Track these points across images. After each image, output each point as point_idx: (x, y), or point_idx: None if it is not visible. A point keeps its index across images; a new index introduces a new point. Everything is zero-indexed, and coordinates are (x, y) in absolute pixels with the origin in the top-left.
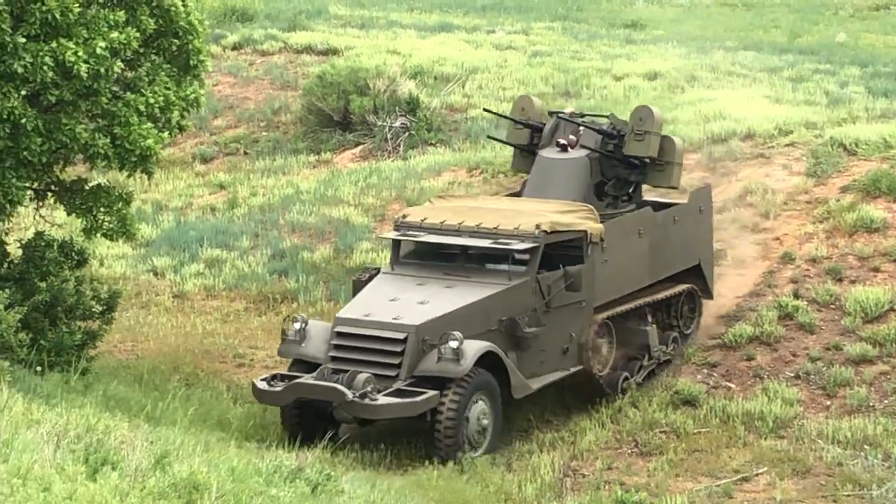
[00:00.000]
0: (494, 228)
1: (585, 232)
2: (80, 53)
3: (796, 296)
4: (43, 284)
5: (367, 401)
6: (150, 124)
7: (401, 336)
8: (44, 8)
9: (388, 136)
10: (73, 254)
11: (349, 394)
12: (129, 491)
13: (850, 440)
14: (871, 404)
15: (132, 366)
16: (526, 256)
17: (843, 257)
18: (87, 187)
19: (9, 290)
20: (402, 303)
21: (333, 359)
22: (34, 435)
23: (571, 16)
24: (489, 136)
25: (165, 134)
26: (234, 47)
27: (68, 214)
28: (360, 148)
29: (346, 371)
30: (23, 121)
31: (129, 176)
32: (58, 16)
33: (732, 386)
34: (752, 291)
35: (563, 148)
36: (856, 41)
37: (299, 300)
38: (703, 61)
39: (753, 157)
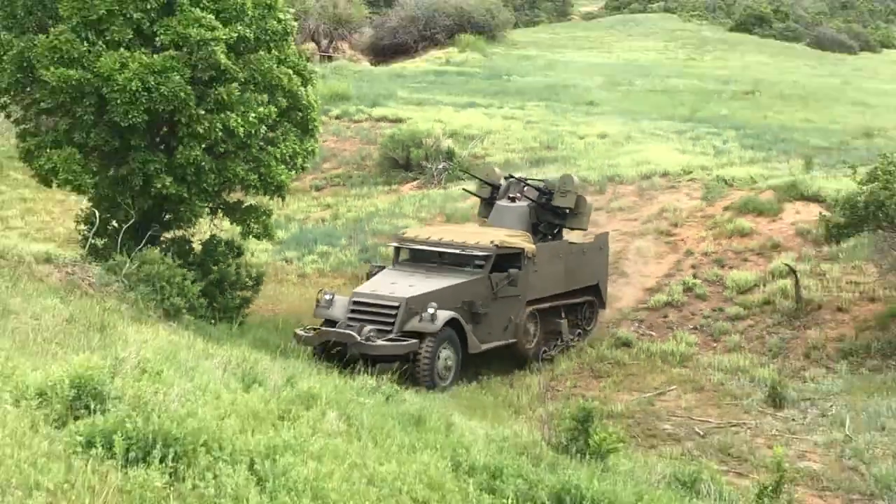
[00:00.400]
0: (462, 242)
1: (523, 249)
2: (239, 121)
3: (695, 276)
4: (215, 268)
5: (369, 342)
6: (283, 166)
7: (395, 304)
8: (216, 92)
9: (435, 174)
10: (234, 248)
11: (358, 337)
12: (270, 399)
13: (729, 368)
14: (741, 345)
15: (272, 320)
16: (482, 262)
17: (725, 252)
18: (243, 206)
19: (193, 272)
20: (397, 285)
21: (350, 318)
22: (209, 363)
23: (552, 98)
24: (465, 190)
25: (293, 172)
26: (337, 117)
27: (231, 224)
28: (416, 181)
29: (357, 324)
30: (202, 164)
31: (269, 199)
32: (225, 97)
33: (653, 334)
34: (665, 273)
35: (512, 200)
36: (734, 114)
37: None
38: (635, 127)
39: (667, 188)
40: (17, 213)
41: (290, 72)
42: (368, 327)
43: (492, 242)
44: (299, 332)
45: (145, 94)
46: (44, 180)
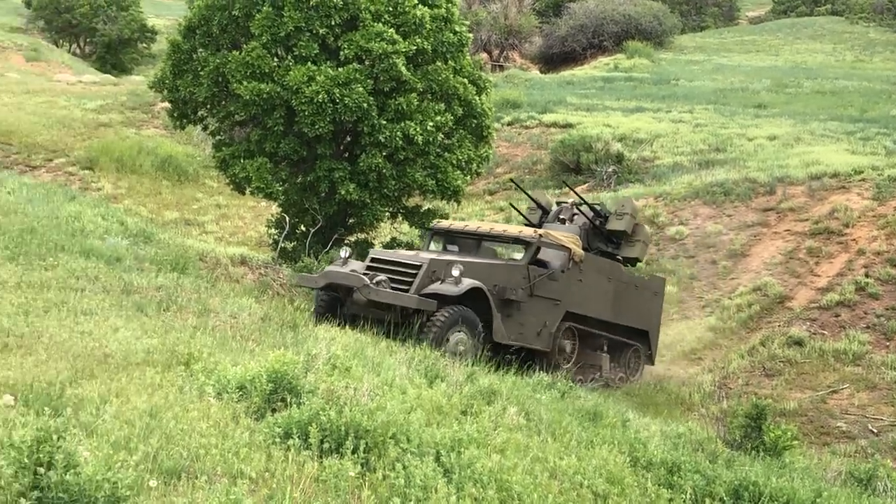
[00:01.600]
0: (504, 230)
1: (570, 249)
2: (418, 129)
3: (867, 275)
4: None
5: (378, 287)
6: (459, 172)
7: (416, 264)
8: (396, 102)
9: (605, 177)
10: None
11: (367, 280)
12: (452, 394)
13: None
14: None
15: None
16: (523, 249)
17: None
18: (421, 210)
19: None
20: (422, 255)
21: (366, 275)
22: (394, 359)
23: (720, 101)
24: (511, 205)
25: (468, 177)
26: (509, 124)
27: (410, 226)
28: (587, 184)
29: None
30: (384, 170)
31: (446, 203)
32: (405, 107)
33: (825, 333)
34: (837, 272)
35: (563, 222)
36: None
37: None
38: (805, 128)
39: (838, 188)
40: (212, 219)
41: (466, 81)
42: (382, 276)
43: (536, 232)
44: (304, 274)
45: (331, 105)
46: (237, 188)
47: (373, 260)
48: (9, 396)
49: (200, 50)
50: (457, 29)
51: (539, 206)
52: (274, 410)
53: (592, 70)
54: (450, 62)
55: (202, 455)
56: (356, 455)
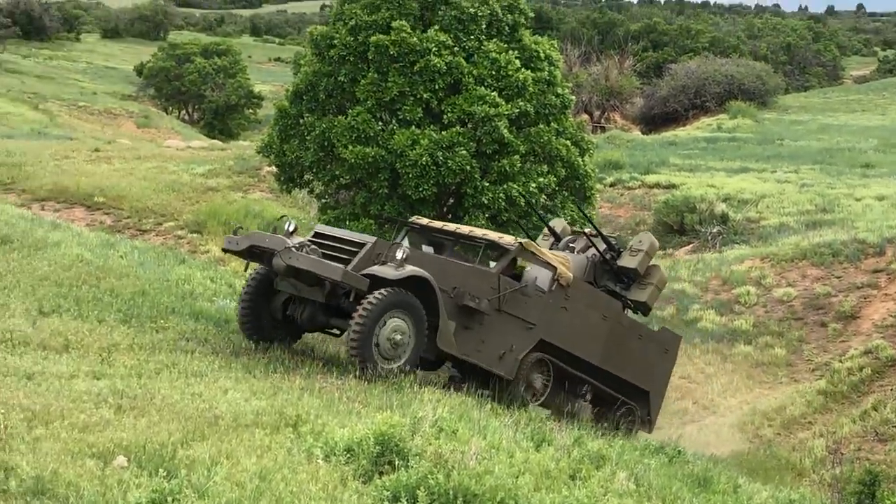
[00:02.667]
0: (483, 234)
1: (556, 268)
2: (521, 191)
3: None
4: None
5: (301, 252)
6: None
7: (359, 241)
8: (499, 164)
9: (709, 238)
10: None
11: (290, 243)
12: (560, 458)
13: None
14: None
15: None
16: (497, 255)
17: None
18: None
19: None
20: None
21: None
22: (500, 423)
23: (826, 161)
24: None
25: None
26: (611, 185)
27: None
28: (691, 245)
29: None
30: None
31: None
32: (507, 168)
33: None
34: None
35: (572, 251)
36: None
37: None
38: None
39: None
40: None
41: (569, 143)
42: (307, 240)
43: (517, 240)
44: (231, 236)
45: (434, 168)
46: None
47: (316, 234)
48: (122, 458)
49: (307, 115)
50: (559, 91)
51: (552, 232)
52: (381, 473)
53: (695, 130)
54: (552, 124)
55: None
56: None
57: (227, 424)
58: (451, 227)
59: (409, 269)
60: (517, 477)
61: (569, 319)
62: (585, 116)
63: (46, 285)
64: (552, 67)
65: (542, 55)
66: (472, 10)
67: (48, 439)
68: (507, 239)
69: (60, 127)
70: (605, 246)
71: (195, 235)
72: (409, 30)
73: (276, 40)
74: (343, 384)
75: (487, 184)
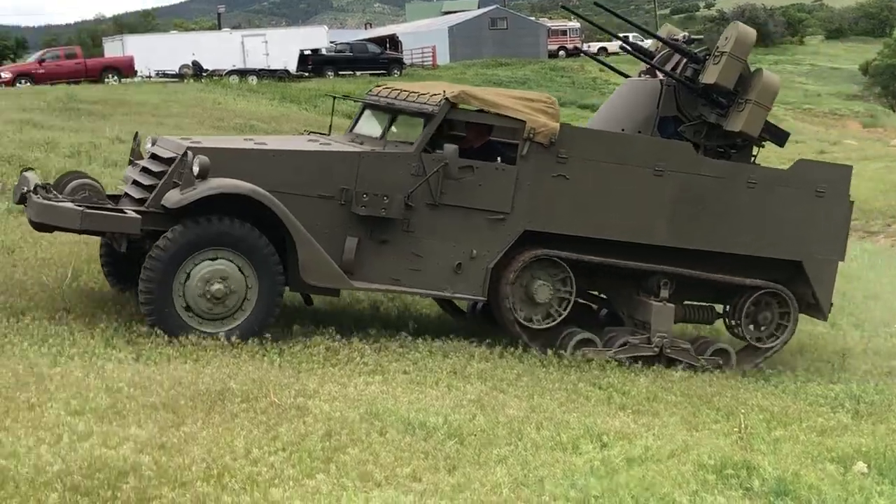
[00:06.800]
0: (410, 95)
1: (524, 123)
2: None
3: None
4: None
5: (35, 197)
6: None
7: (172, 157)
8: None
9: None
10: None
11: (28, 187)
12: None
13: None
14: None
15: None
16: (414, 123)
17: None
18: None
19: None
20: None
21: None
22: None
23: None
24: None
25: None
26: None
27: None
28: None
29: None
30: None
31: None
32: None
33: None
34: None
35: (652, 75)
36: None
37: None
38: None
39: None
40: None
41: None
42: (83, 180)
43: (445, 93)
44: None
45: None
46: None
47: (152, 145)
48: (862, 464)
49: None
50: None
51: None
52: None
53: None
54: None
55: None
56: None
57: None
58: (385, 92)
59: (208, 187)
60: None
61: (575, 191)
62: None
63: None
64: None
65: None
66: None
67: (787, 441)
68: (436, 98)
69: (789, 129)
70: (678, 55)
71: None
72: None
73: None
74: None
75: None
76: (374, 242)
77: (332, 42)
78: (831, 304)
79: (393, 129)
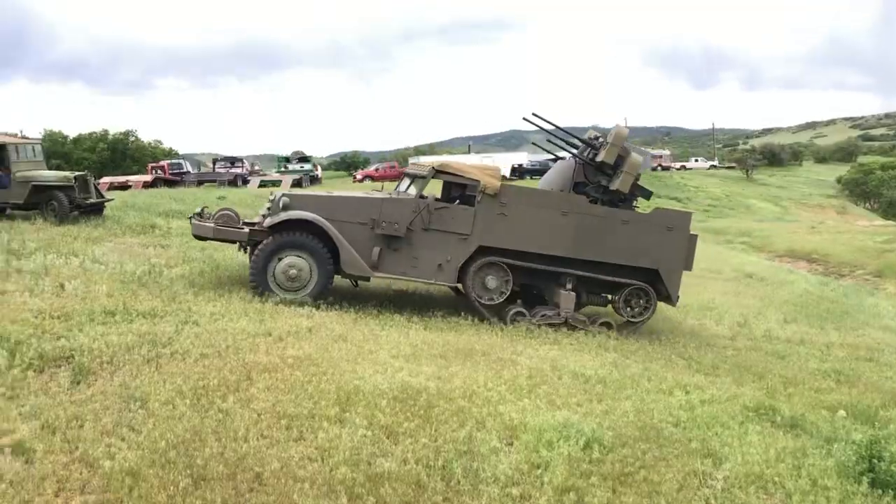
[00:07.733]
0: (420, 167)
1: (478, 182)
2: None
3: None
4: None
5: (199, 221)
6: None
7: (274, 197)
8: None
9: None
10: None
11: (196, 218)
12: None
13: None
14: None
15: None
16: (413, 182)
17: None
18: None
19: None
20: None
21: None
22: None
23: None
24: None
25: None
26: None
27: None
28: None
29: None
30: None
31: None
32: None
33: None
34: None
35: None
36: None
37: None
38: None
39: None
40: None
41: None
42: (216, 210)
43: (432, 166)
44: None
45: None
46: None
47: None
48: (843, 411)
49: None
50: None
51: (584, 142)
52: None
53: None
54: None
55: None
56: None
57: None
58: (419, 164)
59: (286, 214)
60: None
61: (511, 223)
62: None
63: (787, 305)
64: None
65: None
66: None
67: (795, 395)
68: (426, 168)
69: (791, 214)
70: (582, 146)
71: (877, 279)
72: None
73: None
74: None
75: None
76: (389, 250)
77: (530, 161)
78: (678, 297)
79: (412, 186)
